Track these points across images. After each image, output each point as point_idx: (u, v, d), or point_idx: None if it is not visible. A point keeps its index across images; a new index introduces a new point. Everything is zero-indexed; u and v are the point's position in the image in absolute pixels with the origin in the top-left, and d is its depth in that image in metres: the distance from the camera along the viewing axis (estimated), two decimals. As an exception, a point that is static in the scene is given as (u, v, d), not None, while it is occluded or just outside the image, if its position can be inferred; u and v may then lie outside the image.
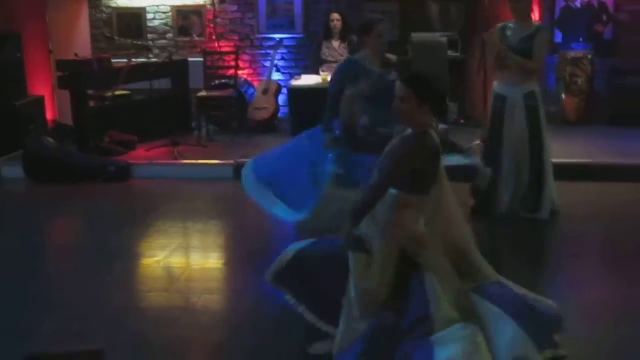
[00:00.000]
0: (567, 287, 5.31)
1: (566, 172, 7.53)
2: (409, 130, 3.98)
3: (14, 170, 8.56)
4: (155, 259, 6.01)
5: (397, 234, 3.89)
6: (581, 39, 10.12)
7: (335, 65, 8.70)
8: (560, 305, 4.26)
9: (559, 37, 10.26)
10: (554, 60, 10.13)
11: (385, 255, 3.90)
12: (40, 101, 9.78)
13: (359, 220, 3.92)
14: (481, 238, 6.24)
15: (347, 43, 8.93)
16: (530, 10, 6.69)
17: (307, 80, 8.64)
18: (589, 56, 9.84)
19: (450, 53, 9.40)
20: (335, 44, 8.95)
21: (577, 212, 6.81)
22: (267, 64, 10.40)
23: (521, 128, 6.56)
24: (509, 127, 6.58)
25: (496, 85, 6.72)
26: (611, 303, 5.01)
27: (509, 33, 6.54)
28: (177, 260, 6.02)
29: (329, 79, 8.45)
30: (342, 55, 8.74)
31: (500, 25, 6.70)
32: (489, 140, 6.70)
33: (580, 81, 9.80)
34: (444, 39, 9.25)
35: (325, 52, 8.96)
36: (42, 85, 10.06)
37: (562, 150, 8.30)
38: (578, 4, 10.17)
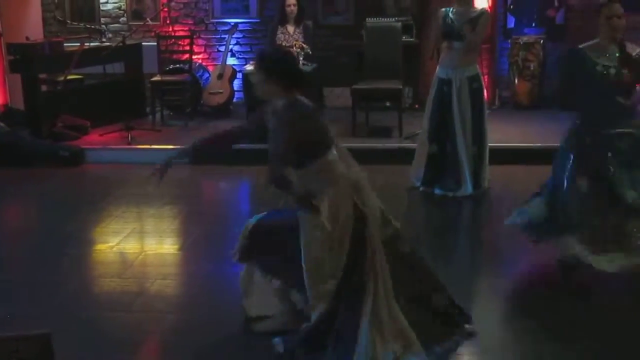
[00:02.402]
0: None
1: (520, 156, 7.68)
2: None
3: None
4: (109, 244, 5.98)
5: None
6: (533, 24, 10.24)
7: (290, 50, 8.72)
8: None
9: (511, 22, 10.37)
10: (506, 45, 10.24)
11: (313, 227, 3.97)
12: (-12, 84, 9.64)
13: (286, 187, 4.00)
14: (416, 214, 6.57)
15: (302, 28, 8.92)
16: None
17: (262, 64, 8.61)
18: (541, 41, 9.96)
19: (404, 38, 9.45)
20: (291, 28, 8.94)
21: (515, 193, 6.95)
22: (222, 48, 10.35)
23: (466, 109, 6.80)
24: (456, 109, 6.79)
25: (439, 70, 6.91)
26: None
27: (452, 16, 6.77)
28: (130, 246, 5.99)
29: (283, 63, 8.45)
30: (297, 40, 8.73)
31: (442, 9, 6.87)
32: (434, 124, 6.89)
33: (532, 66, 9.93)
34: (398, 24, 9.30)
35: (280, 37, 8.93)
36: (-8, 69, 9.90)
37: (515, 134, 8.45)
38: (529, -11, 10.28)
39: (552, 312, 4.61)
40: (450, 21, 6.77)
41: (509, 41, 10.18)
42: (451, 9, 6.82)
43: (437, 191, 6.90)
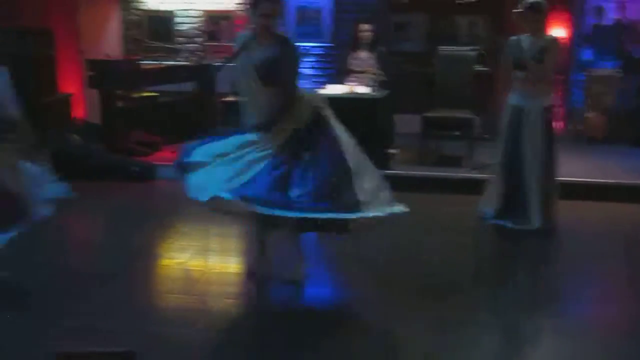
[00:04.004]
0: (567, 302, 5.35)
1: (591, 191, 7.55)
2: None
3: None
4: (175, 260, 6.06)
5: None
6: (610, 57, 10.09)
7: (362, 76, 8.75)
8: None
9: (588, 55, 10.23)
10: (581, 78, 10.11)
11: None
12: (68, 99, 9.90)
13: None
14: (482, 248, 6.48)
15: (374, 54, 8.94)
16: (543, 23, 6.77)
17: (334, 89, 8.65)
18: (617, 74, 9.80)
19: (476, 67, 9.39)
20: (364, 54, 8.97)
21: (586, 229, 6.88)
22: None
23: (538, 141, 6.67)
24: (527, 140, 6.68)
25: (511, 97, 6.79)
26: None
27: (522, 45, 6.68)
28: (196, 263, 6.06)
29: (355, 89, 8.49)
30: (370, 66, 8.76)
31: (513, 38, 6.79)
32: (506, 154, 6.78)
33: (607, 99, 9.77)
34: (471, 53, 9.25)
35: (353, 63, 8.97)
36: (71, 84, 10.17)
37: (586, 169, 8.30)
38: (608, 22, 10.14)
39: (614, 355, 4.50)
40: (520, 50, 6.71)
41: (584, 73, 10.04)
42: (521, 38, 6.75)
43: (507, 224, 6.80)
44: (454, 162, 8.73)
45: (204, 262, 6.15)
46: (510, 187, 6.80)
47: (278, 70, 5.24)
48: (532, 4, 6.65)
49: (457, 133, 8.84)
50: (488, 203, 6.96)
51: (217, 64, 10.09)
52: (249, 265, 5.91)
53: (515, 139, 6.74)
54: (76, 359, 3.42)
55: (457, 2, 10.25)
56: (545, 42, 6.68)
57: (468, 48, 9.55)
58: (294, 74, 5.41)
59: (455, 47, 9.61)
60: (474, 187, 7.40)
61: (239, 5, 10.79)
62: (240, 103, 5.60)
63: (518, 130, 6.72)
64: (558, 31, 9.69)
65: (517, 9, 6.71)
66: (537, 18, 6.66)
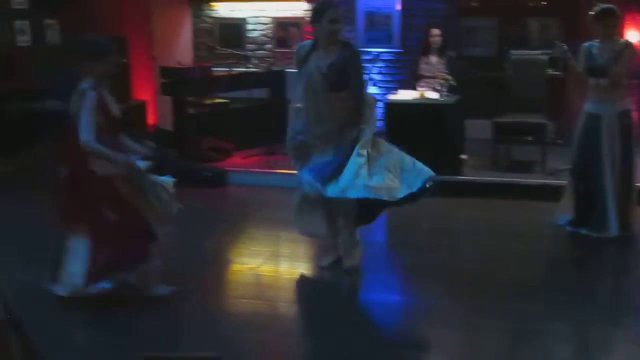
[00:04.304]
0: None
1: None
2: None
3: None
4: (247, 265, 6.12)
5: None
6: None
7: (432, 81, 8.71)
8: None
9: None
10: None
11: None
12: (142, 106, 10.09)
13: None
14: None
15: (444, 59, 8.88)
16: (616, 29, 6.62)
17: (405, 95, 8.63)
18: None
19: (549, 71, 9.25)
20: (434, 59, 8.91)
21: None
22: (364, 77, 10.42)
23: (616, 146, 6.55)
24: (604, 146, 6.55)
25: (587, 105, 6.68)
26: None
27: (595, 51, 6.57)
28: (268, 268, 6.11)
29: (426, 94, 8.46)
30: (439, 71, 8.71)
31: (585, 44, 6.67)
32: (581, 160, 6.69)
33: (685, 103, 9.52)
34: (544, 57, 9.11)
35: (424, 68, 8.92)
36: (144, 91, 10.37)
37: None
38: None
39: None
40: (590, 57, 6.58)
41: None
42: (592, 44, 6.62)
43: (583, 232, 6.67)
44: (526, 167, 8.62)
45: (275, 268, 6.20)
46: (584, 194, 6.67)
47: (345, 75, 5.44)
48: (603, 9, 6.53)
49: (529, 138, 8.71)
50: (564, 210, 6.84)
51: (287, 70, 10.25)
52: (319, 259, 6.07)
53: (591, 145, 6.60)
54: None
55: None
56: (619, 47, 6.54)
57: (540, 52, 9.41)
58: (361, 77, 5.70)
59: (527, 51, 9.48)
60: (548, 193, 7.30)
61: (307, 12, 10.84)
62: (297, 110, 5.73)
63: (594, 137, 6.59)
64: (632, 34, 9.48)
65: (592, 11, 6.60)
66: (609, 24, 6.52)
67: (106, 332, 4.79)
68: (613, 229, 6.52)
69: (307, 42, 5.70)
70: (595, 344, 4.22)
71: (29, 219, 7.17)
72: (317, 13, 5.52)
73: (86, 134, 4.96)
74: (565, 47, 6.70)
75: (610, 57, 6.50)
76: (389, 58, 10.59)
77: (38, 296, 5.15)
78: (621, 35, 6.71)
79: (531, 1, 10.25)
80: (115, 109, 5.22)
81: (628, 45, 6.62)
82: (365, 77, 6.56)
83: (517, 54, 9.23)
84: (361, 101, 5.56)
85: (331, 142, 5.51)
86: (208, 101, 9.89)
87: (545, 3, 10.16)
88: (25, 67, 10.05)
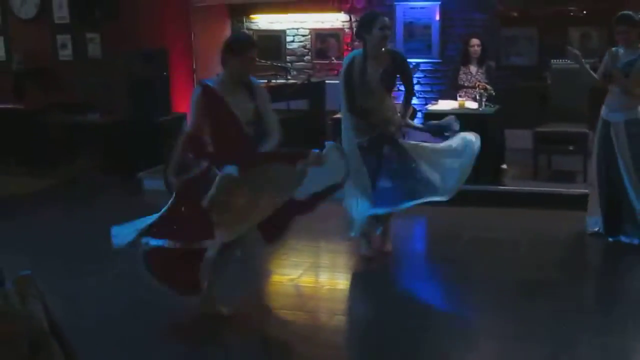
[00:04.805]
0: None
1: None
2: None
3: (155, 183, 8.91)
4: (289, 276, 6.13)
5: None
6: None
7: (472, 91, 8.67)
8: None
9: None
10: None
11: None
12: (183, 118, 10.12)
13: None
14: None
15: (484, 68, 8.85)
16: (635, 35, 6.47)
17: (444, 105, 8.60)
18: None
19: (592, 80, 9.15)
20: (473, 69, 8.88)
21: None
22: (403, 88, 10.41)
23: (627, 155, 6.47)
24: (619, 154, 6.50)
25: (603, 110, 6.65)
26: None
27: (620, 57, 6.52)
28: (308, 279, 6.11)
29: (466, 104, 8.43)
30: (479, 81, 8.67)
31: (613, 49, 6.66)
32: (601, 166, 6.67)
33: None
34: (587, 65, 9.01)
35: (463, 77, 8.89)
36: (184, 103, 10.42)
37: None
38: None
39: None
40: (614, 62, 6.53)
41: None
42: (619, 50, 6.56)
43: (622, 239, 6.59)
44: (567, 177, 8.53)
45: (315, 279, 6.21)
46: (611, 202, 6.62)
47: (395, 79, 6.19)
48: (621, 15, 6.47)
49: (570, 148, 8.62)
50: (591, 217, 6.81)
51: (326, 81, 10.27)
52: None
53: (607, 152, 6.57)
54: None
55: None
56: (635, 56, 6.43)
57: (584, 61, 9.30)
58: (412, 78, 6.47)
59: (568, 61, 9.39)
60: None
61: (345, 23, 10.86)
62: (345, 118, 6.27)
63: (608, 143, 6.56)
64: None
65: None
66: (627, 30, 6.44)
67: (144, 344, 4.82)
68: None
69: (356, 51, 6.19)
70: (622, 351, 4.14)
71: (73, 232, 7.27)
72: (368, 22, 5.98)
73: (187, 126, 5.01)
74: (575, 51, 6.68)
75: (625, 63, 6.42)
76: (428, 68, 10.57)
77: (81, 309, 5.21)
78: None
79: (572, 10, 10.15)
80: (239, 109, 5.01)
81: None
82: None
83: (558, 63, 9.15)
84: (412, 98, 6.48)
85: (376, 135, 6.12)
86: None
87: (586, 12, 10.06)
88: (67, 81, 10.21)
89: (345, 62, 6.18)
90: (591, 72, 6.71)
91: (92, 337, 4.63)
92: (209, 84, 4.97)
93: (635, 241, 6.50)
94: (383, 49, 6.07)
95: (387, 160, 6.12)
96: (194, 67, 10.66)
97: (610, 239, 6.62)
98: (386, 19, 6.05)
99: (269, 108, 5.18)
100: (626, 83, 6.38)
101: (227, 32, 11.42)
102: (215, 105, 4.89)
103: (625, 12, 6.51)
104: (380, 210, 6.10)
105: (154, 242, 4.84)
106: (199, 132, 4.90)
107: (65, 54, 10.55)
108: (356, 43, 10.80)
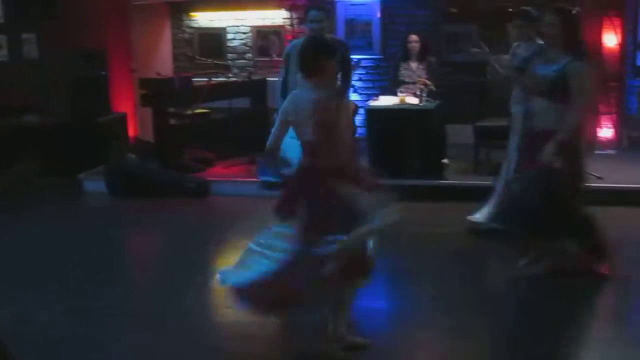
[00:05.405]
0: None
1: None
2: None
3: (96, 185, 8.81)
4: (232, 275, 6.08)
5: None
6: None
7: (412, 86, 8.73)
8: None
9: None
10: (636, 83, 9.94)
11: None
12: (123, 118, 10.05)
13: None
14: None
15: (425, 64, 8.91)
16: (532, 32, 6.57)
17: (385, 100, 8.64)
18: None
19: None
20: (414, 65, 8.94)
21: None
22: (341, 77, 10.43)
23: None
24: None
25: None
26: None
27: (518, 52, 6.66)
28: (253, 277, 6.07)
29: (407, 100, 8.48)
30: (420, 77, 8.72)
31: (514, 44, 6.83)
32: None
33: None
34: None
35: (403, 73, 8.95)
36: (124, 102, 10.32)
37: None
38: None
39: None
40: (511, 58, 6.77)
41: (639, 79, 9.88)
42: (521, 45, 6.72)
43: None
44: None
45: (261, 277, 6.16)
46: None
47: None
48: (519, 11, 6.68)
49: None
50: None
51: (268, 79, 10.24)
52: None
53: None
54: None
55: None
56: (532, 50, 6.38)
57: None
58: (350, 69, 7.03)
59: (507, 56, 9.50)
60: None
61: (286, 20, 10.85)
62: None
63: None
64: (610, 37, 9.56)
65: None
66: (522, 25, 6.61)
67: (87, 344, 4.75)
68: None
69: (299, 41, 6.52)
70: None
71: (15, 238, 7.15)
72: (305, 16, 6.88)
73: None
74: (476, 50, 6.88)
75: (522, 59, 6.45)
76: (370, 64, 10.62)
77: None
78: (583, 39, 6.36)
79: (510, 6, 10.28)
80: (331, 115, 4.50)
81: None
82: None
83: (496, 58, 9.24)
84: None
85: None
86: (189, 112, 9.85)
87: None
88: (3, 83, 9.99)
89: (286, 49, 6.79)
90: (497, 67, 6.81)
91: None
92: None
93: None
94: None
95: None
96: (134, 66, 10.53)
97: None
98: (316, 12, 6.80)
99: None
100: (522, 80, 6.21)
101: (167, 31, 11.33)
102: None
103: (525, 7, 6.62)
104: None
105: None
106: None
107: (1, 54, 10.33)
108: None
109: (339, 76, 6.56)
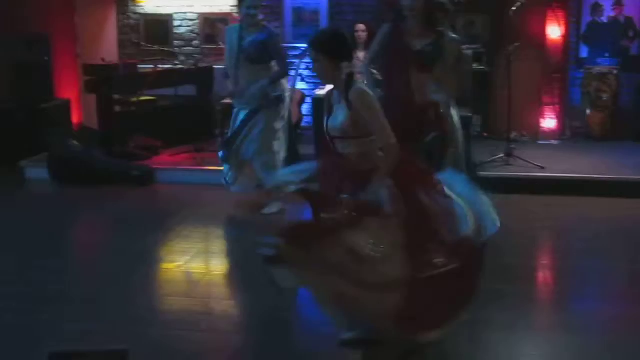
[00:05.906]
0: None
1: (590, 188, 7.58)
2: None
3: (39, 172, 8.67)
4: (176, 263, 6.05)
5: None
6: (607, 54, 10.09)
7: (359, 76, 8.73)
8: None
9: (584, 52, 10.25)
10: (579, 75, 10.11)
11: None
12: (66, 104, 9.90)
13: None
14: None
15: (371, 54, 8.93)
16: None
17: (330, 89, 8.63)
18: (615, 71, 9.82)
19: (475, 65, 9.40)
20: (360, 54, 8.94)
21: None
22: (292, 72, 10.42)
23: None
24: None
25: None
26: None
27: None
28: (197, 265, 6.06)
29: (353, 88, 8.48)
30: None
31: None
32: None
33: (605, 96, 9.77)
34: (469, 52, 9.24)
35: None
36: (68, 89, 10.17)
37: (585, 166, 8.30)
38: (604, 19, 10.15)
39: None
40: None
41: (582, 71, 10.05)
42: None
43: None
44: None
45: (205, 265, 6.16)
46: None
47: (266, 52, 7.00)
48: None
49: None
50: None
51: (215, 67, 10.17)
52: None
53: None
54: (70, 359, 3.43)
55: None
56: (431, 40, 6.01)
57: (465, 47, 9.52)
58: (281, 53, 7.26)
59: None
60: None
61: (234, 8, 10.77)
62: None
63: None
64: (554, 28, 9.70)
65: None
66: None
67: (25, 331, 4.68)
68: None
69: (236, 25, 7.15)
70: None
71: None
72: (240, 2, 6.97)
73: None
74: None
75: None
76: (317, 54, 10.58)
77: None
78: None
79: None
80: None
81: None
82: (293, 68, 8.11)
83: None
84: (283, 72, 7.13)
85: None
86: (134, 99, 9.75)
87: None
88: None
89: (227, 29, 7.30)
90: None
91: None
92: None
93: None
94: (254, 25, 6.97)
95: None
96: (78, 51, 10.37)
97: None
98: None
99: None
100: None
101: (113, 16, 11.18)
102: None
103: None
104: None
105: None
106: None
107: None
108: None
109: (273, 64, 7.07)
